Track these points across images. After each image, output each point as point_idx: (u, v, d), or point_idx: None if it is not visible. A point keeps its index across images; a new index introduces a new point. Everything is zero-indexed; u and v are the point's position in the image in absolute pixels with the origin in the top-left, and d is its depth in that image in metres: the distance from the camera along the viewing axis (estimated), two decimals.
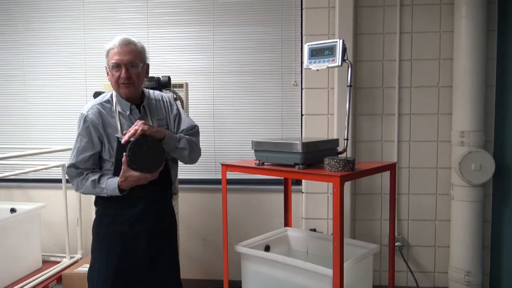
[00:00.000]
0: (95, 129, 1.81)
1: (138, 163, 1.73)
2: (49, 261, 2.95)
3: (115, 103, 1.86)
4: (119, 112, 1.85)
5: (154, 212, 1.91)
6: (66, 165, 1.87)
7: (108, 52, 1.80)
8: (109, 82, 1.86)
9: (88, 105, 1.88)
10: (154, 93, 2.00)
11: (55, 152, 2.86)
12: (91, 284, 1.92)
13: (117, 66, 1.78)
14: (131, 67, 1.79)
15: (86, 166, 1.85)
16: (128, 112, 1.86)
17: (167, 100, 2.01)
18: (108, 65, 1.81)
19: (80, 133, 1.83)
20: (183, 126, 1.99)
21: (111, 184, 1.80)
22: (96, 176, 1.83)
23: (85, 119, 1.82)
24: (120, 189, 1.78)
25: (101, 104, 1.86)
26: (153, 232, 1.90)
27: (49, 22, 3.26)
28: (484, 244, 2.80)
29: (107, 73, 1.84)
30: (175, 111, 2.00)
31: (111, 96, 1.89)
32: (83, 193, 1.90)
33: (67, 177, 2.86)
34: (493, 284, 2.90)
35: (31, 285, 2.52)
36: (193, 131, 2.01)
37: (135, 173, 1.74)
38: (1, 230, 2.53)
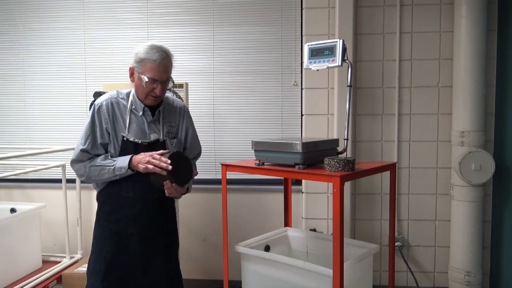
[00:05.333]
0: (105, 120, 1.85)
1: (173, 169, 1.75)
2: (49, 261, 2.95)
3: (131, 102, 1.89)
4: (131, 110, 1.88)
5: (150, 215, 1.91)
6: (79, 148, 1.84)
7: (143, 61, 1.79)
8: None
9: (103, 96, 1.91)
10: (175, 101, 2.05)
11: (55, 152, 2.86)
12: (88, 279, 1.96)
13: (153, 81, 1.81)
14: (164, 83, 1.85)
15: (99, 152, 1.86)
16: (140, 113, 1.89)
17: (185, 111, 2.06)
18: (139, 72, 1.81)
19: (93, 121, 1.85)
20: (194, 150, 2.09)
21: (122, 158, 1.81)
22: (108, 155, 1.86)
23: (98, 109, 1.86)
24: (131, 166, 1.78)
25: (116, 99, 1.89)
26: (146, 235, 1.90)
27: (49, 22, 3.27)
28: (484, 244, 2.80)
29: (131, 75, 1.86)
30: (187, 125, 2.04)
31: (128, 94, 1.91)
32: (87, 176, 1.85)
33: (67, 177, 2.92)
34: (493, 284, 2.90)
35: (31, 285, 2.52)
36: (198, 157, 2.15)
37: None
38: (1, 230, 2.53)
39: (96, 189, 1.96)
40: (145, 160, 1.76)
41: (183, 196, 2.11)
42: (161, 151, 1.79)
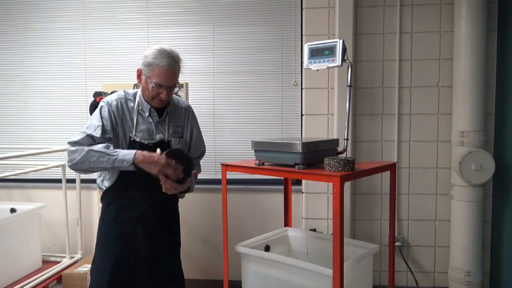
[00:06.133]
0: (114, 117, 1.84)
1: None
2: (49, 261, 2.95)
3: (137, 103, 1.90)
4: (138, 111, 1.89)
5: (155, 215, 1.92)
6: (86, 133, 1.80)
7: (151, 65, 1.79)
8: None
9: (113, 96, 1.91)
10: (180, 101, 2.06)
11: (55, 152, 2.86)
12: (92, 278, 1.96)
13: (159, 86, 1.81)
14: (171, 88, 1.85)
15: (101, 142, 1.82)
16: (147, 114, 1.90)
17: (190, 111, 2.06)
18: (147, 76, 1.82)
19: (103, 115, 1.83)
20: (198, 149, 2.09)
21: (125, 151, 1.78)
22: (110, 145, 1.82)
23: (110, 106, 1.85)
24: (135, 162, 1.74)
25: (125, 99, 1.90)
26: (152, 235, 1.91)
27: (49, 22, 3.26)
28: (484, 244, 2.80)
29: (139, 76, 1.86)
30: (192, 125, 2.05)
31: (134, 95, 1.92)
32: (80, 160, 1.77)
33: (67, 177, 2.91)
34: (493, 284, 2.90)
35: (31, 285, 2.52)
36: (202, 156, 2.14)
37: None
38: (1, 230, 2.53)
39: (102, 190, 1.96)
40: (160, 163, 1.73)
41: (184, 196, 2.12)
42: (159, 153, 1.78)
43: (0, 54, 3.33)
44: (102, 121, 1.82)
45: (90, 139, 1.79)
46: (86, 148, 1.76)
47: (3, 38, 3.32)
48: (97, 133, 1.79)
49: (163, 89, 1.81)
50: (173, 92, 1.89)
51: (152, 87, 1.80)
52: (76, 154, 1.78)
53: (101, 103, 1.88)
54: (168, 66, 1.79)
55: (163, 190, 1.82)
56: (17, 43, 3.31)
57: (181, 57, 1.88)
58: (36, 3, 3.26)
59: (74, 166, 1.81)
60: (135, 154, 1.74)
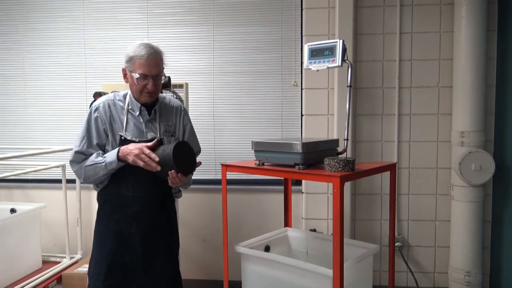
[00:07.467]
0: (102, 121, 1.87)
1: (179, 159, 1.76)
2: (49, 261, 2.95)
3: (128, 103, 1.91)
4: (128, 110, 1.90)
5: (150, 214, 1.92)
6: (74, 150, 1.87)
7: (132, 59, 1.82)
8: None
9: (101, 99, 1.94)
10: (172, 100, 2.06)
11: (55, 152, 2.86)
12: (89, 278, 1.97)
13: (144, 77, 1.82)
14: (156, 79, 1.85)
15: (94, 152, 1.88)
16: (137, 113, 1.91)
17: (182, 110, 2.06)
18: (130, 71, 1.84)
19: (89, 123, 1.88)
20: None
21: (110, 153, 1.82)
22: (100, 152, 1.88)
23: (95, 111, 1.88)
24: (119, 157, 1.79)
25: (113, 101, 1.92)
26: (147, 234, 1.91)
27: (49, 22, 3.27)
28: (484, 244, 2.80)
29: (124, 75, 1.89)
30: (185, 122, 2.05)
31: (124, 96, 1.94)
32: (85, 176, 1.87)
33: (67, 177, 2.91)
34: (493, 284, 2.90)
35: (31, 285, 2.52)
36: (197, 155, 2.09)
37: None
38: (1, 230, 2.53)
39: (96, 189, 1.97)
40: (134, 153, 1.76)
41: (183, 195, 2.11)
42: (150, 144, 1.79)
43: (0, 54, 3.33)
44: (88, 131, 1.87)
45: (81, 155, 1.87)
46: (83, 165, 1.85)
47: (3, 38, 3.32)
48: (83, 147, 1.86)
49: (148, 80, 1.82)
50: (160, 83, 1.89)
51: (137, 78, 1.81)
52: (79, 173, 1.89)
53: (89, 110, 1.92)
54: (147, 54, 1.80)
55: (169, 184, 1.82)
56: (17, 43, 3.31)
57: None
58: (36, 3, 3.26)
59: (86, 182, 1.94)
60: (118, 152, 1.79)
